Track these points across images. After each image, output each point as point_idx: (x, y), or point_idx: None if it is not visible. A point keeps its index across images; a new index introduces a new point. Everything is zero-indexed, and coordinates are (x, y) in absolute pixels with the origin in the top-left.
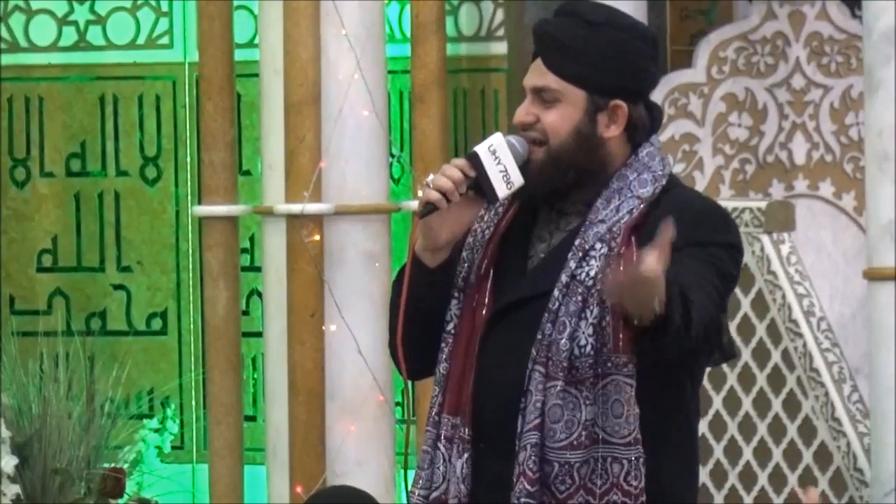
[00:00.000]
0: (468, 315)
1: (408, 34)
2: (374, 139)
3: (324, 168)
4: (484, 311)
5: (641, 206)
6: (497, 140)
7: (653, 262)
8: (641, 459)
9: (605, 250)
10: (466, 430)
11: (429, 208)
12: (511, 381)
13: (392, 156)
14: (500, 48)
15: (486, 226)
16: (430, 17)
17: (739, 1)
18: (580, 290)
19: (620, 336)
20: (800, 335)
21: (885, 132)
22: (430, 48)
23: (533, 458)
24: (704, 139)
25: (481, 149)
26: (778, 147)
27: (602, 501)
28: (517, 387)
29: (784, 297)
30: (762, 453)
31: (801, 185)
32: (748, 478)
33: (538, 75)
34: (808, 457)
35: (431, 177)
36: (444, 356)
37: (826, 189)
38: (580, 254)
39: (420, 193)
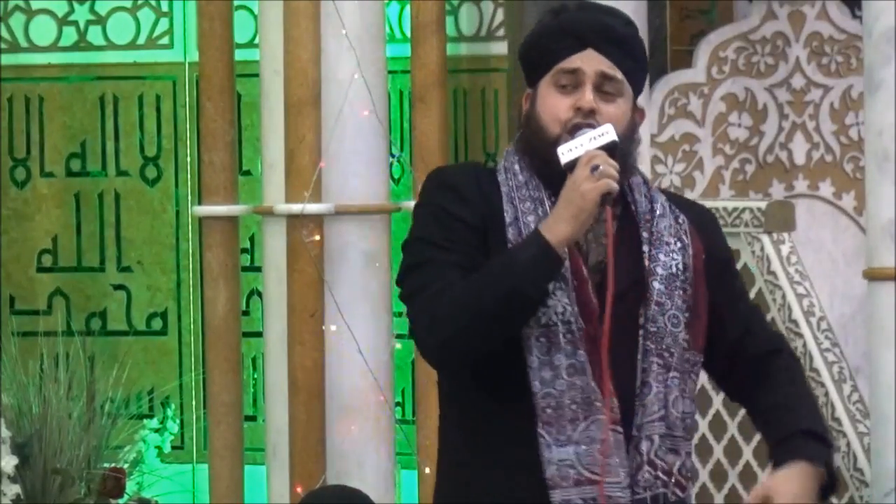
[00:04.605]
0: (587, 305)
1: (408, 34)
2: (374, 139)
3: (324, 168)
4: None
5: (667, 201)
6: (615, 132)
7: None
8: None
9: (679, 245)
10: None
11: (611, 198)
12: (624, 372)
13: (392, 156)
14: (500, 48)
15: (530, 217)
16: (430, 17)
17: (739, 1)
18: (678, 284)
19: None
20: (800, 335)
21: (885, 132)
22: (430, 48)
23: (663, 448)
24: (704, 139)
25: (616, 138)
26: (778, 147)
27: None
28: (630, 377)
29: (784, 297)
30: (762, 453)
31: (801, 185)
32: (748, 478)
33: (604, 64)
34: None
35: (597, 166)
36: (575, 347)
37: (826, 189)
38: (663, 246)
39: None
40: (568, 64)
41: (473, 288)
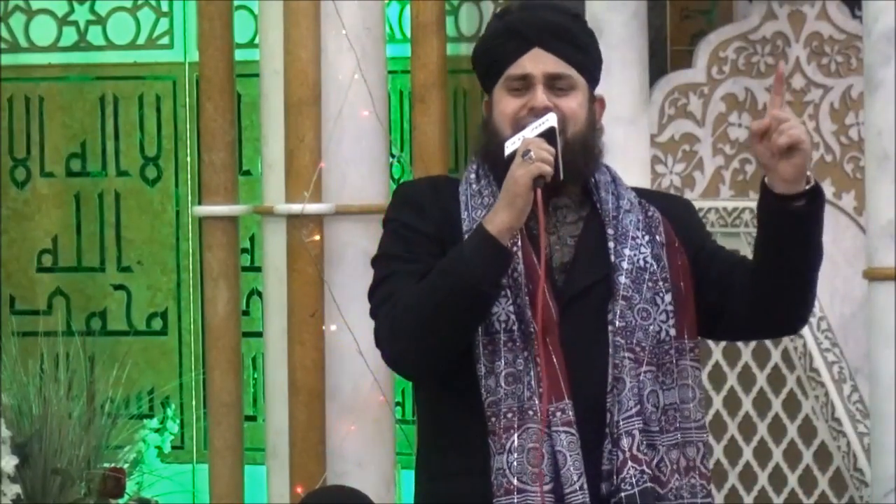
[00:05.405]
0: (534, 308)
1: (408, 34)
2: (374, 139)
3: (324, 168)
4: (548, 302)
5: (637, 197)
6: (556, 119)
7: (801, 127)
8: (706, 442)
9: (647, 238)
10: (571, 414)
11: (543, 181)
12: (595, 370)
13: (392, 156)
14: None
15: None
16: (430, 17)
17: (739, 1)
18: (646, 277)
19: (689, 320)
20: (800, 335)
21: (885, 132)
22: (430, 48)
23: (645, 443)
24: (704, 139)
25: (554, 125)
26: None
27: (687, 484)
28: (601, 374)
29: None
30: (762, 453)
31: None
32: (748, 478)
33: (551, 63)
34: (808, 457)
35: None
36: (515, 355)
37: (826, 189)
38: (629, 241)
39: None
40: (516, 70)
41: (423, 289)
